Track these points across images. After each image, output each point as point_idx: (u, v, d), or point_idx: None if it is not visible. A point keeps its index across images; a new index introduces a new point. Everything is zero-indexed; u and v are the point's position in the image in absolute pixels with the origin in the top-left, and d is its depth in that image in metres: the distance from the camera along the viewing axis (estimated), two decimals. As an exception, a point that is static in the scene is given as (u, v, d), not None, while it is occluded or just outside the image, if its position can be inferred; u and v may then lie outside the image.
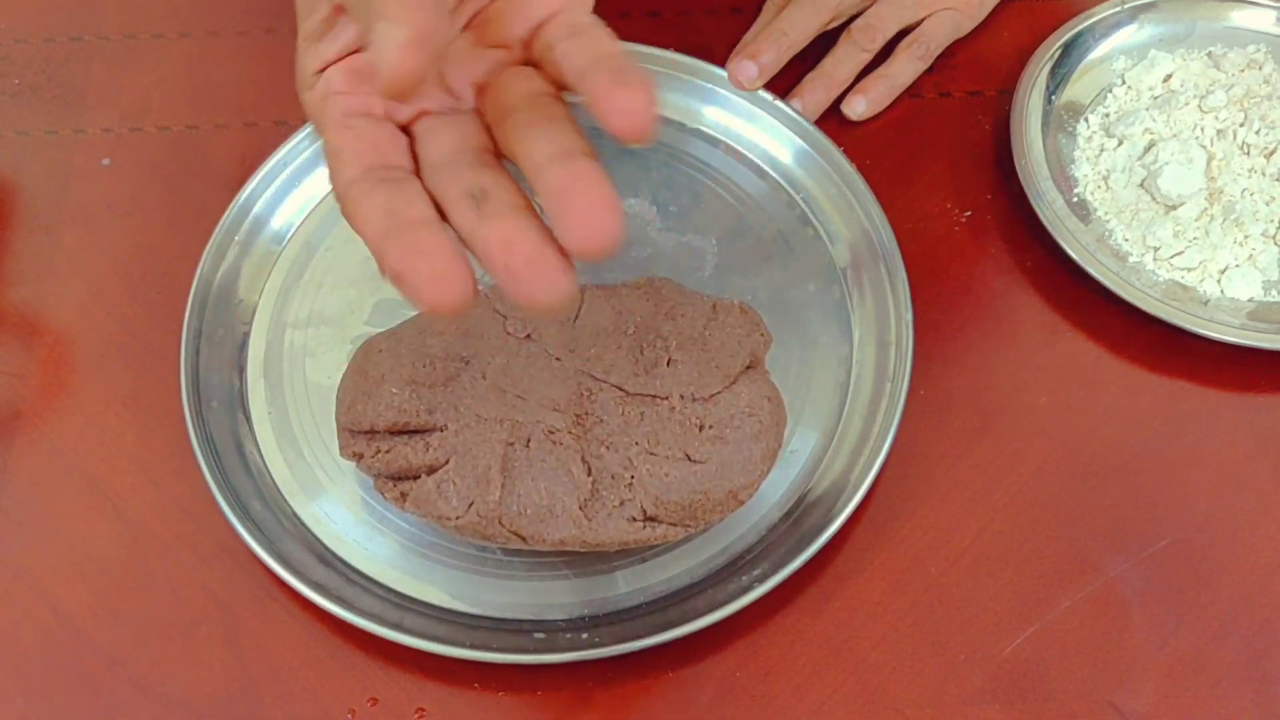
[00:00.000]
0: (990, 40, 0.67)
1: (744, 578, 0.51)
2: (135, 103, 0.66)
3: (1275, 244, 0.59)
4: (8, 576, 0.53)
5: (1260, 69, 0.63)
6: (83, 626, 0.51)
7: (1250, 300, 0.58)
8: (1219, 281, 0.58)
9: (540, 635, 0.50)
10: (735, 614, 0.49)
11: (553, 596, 0.51)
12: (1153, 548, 0.53)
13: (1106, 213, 0.60)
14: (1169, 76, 0.64)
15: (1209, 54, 0.64)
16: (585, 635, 0.50)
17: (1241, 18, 0.66)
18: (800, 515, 0.53)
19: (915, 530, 0.53)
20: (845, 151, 0.60)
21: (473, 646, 0.49)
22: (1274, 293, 0.58)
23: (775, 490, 0.53)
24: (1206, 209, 0.59)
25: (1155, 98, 0.63)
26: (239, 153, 0.63)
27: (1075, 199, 0.61)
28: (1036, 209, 0.59)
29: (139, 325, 0.59)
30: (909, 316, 0.56)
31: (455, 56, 0.40)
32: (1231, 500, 0.54)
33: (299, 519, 0.53)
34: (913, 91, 0.65)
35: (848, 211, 0.60)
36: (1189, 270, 0.58)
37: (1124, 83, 0.64)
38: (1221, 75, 0.63)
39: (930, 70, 0.65)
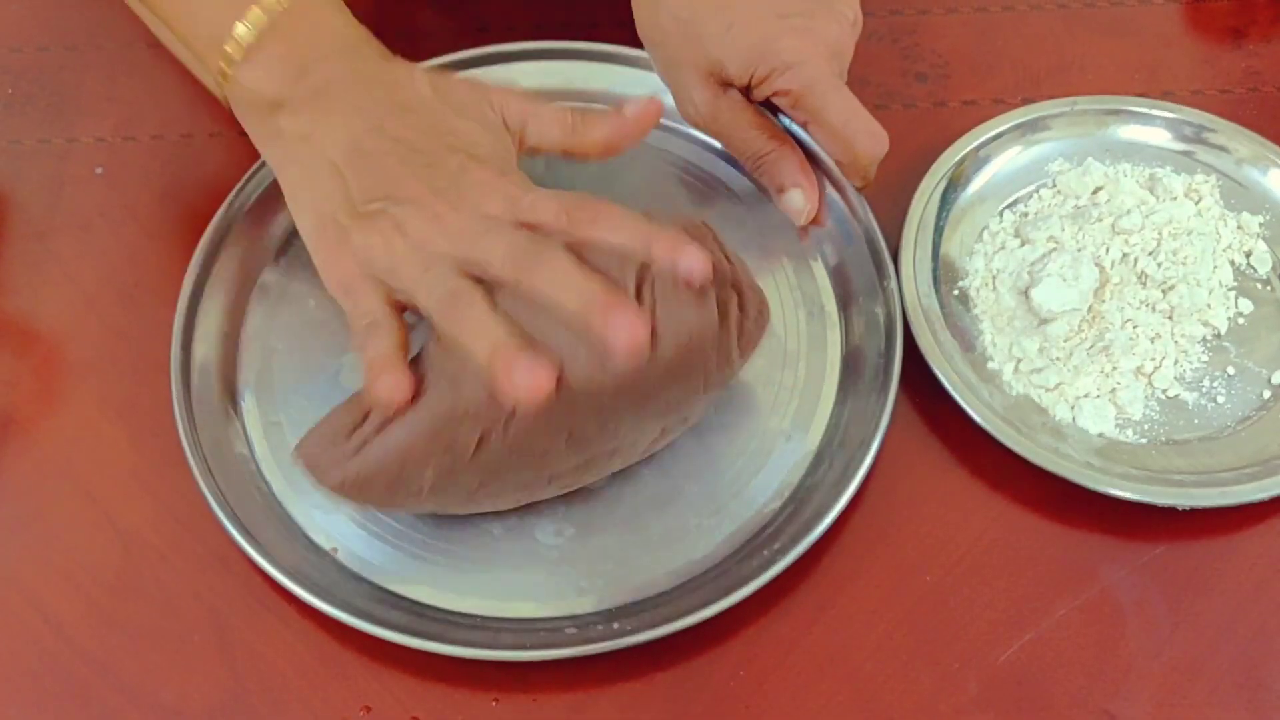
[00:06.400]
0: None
1: (742, 569, 0.51)
2: (128, 111, 0.66)
3: (1146, 382, 0.56)
4: (-1, 584, 0.53)
5: (1198, 201, 0.60)
6: (74, 635, 0.51)
7: (1100, 435, 0.55)
8: (1073, 408, 0.55)
9: (535, 633, 0.50)
10: (729, 622, 0.49)
11: (549, 594, 0.51)
12: (1148, 555, 0.53)
13: (983, 312, 0.58)
14: (1099, 189, 0.61)
15: (1152, 175, 0.61)
16: (576, 631, 0.50)
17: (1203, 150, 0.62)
18: (795, 512, 0.53)
19: (910, 538, 0.53)
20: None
21: (468, 645, 0.49)
22: (1128, 432, 0.55)
23: (770, 490, 0.54)
24: (1079, 331, 0.56)
25: (1077, 207, 0.60)
26: (233, 161, 0.63)
27: (956, 291, 0.59)
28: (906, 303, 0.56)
29: (132, 333, 0.58)
30: (902, 322, 0.56)
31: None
32: (1225, 508, 0.54)
33: (293, 523, 0.53)
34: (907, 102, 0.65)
35: (843, 214, 0.60)
36: (1046, 390, 0.55)
37: (1054, 185, 0.61)
38: (1152, 199, 0.60)
39: None
